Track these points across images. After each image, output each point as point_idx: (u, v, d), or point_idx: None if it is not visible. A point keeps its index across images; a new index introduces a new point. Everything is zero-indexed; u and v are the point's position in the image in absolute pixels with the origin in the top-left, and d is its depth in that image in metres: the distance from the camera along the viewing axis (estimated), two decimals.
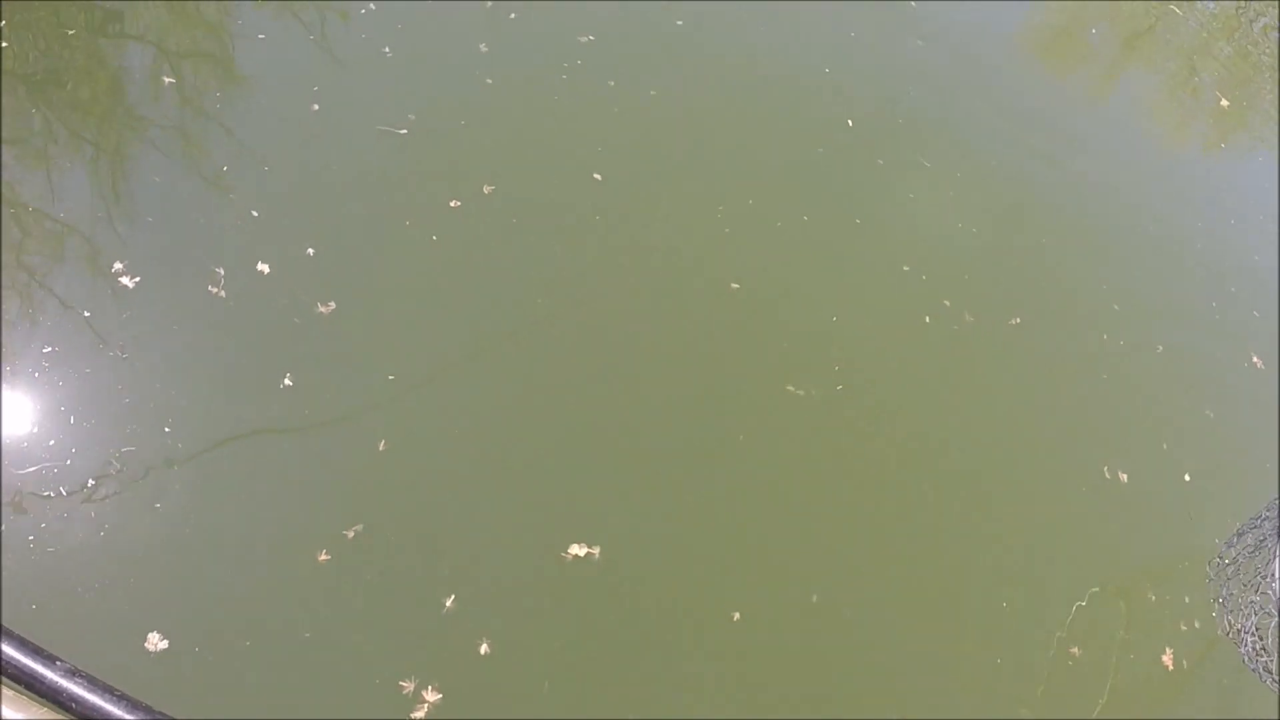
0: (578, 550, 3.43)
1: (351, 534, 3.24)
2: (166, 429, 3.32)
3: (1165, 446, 4.51)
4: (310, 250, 3.90)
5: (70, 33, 4.66)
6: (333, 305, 3.75)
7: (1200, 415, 4.72)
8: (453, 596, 3.20)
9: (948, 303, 4.61)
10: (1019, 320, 4.71)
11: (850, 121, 5.44)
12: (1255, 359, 5.08)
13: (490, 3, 5.17)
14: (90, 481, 3.16)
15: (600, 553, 3.43)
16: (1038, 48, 7.24)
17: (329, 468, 3.39)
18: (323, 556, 3.18)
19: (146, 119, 4.39)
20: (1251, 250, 5.84)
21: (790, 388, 4.07)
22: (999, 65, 6.56)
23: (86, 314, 3.60)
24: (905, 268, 4.76)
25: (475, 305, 3.96)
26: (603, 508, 3.57)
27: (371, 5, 5.03)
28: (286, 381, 3.53)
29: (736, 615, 3.42)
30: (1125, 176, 6.06)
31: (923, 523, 3.85)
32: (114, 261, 3.72)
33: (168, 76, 4.57)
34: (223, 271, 3.76)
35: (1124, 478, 4.28)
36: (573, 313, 4.06)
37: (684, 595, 3.45)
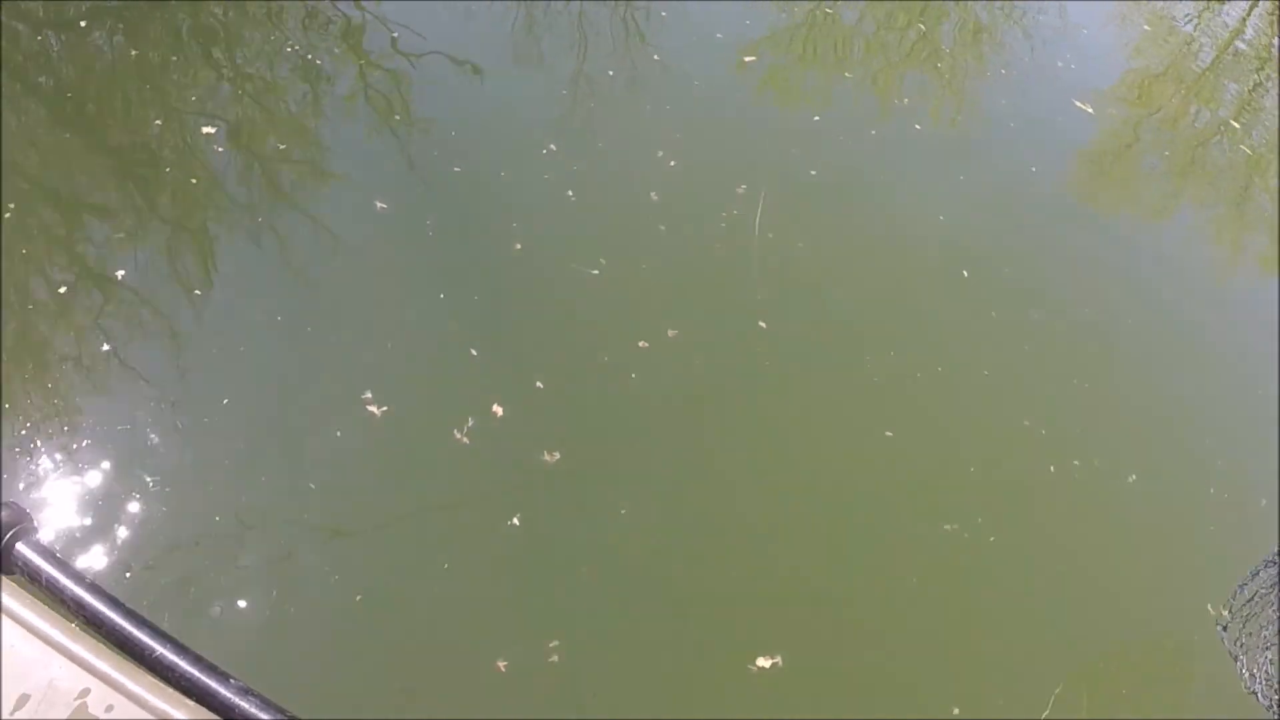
0: (764, 662, 3.85)
1: (556, 658, 3.64)
2: None
3: None
4: (539, 384, 4.34)
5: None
6: (558, 455, 4.17)
7: None
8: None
9: (1077, 462, 5.07)
10: (1134, 478, 5.18)
11: (965, 272, 5.96)
12: None
13: (660, 153, 5.68)
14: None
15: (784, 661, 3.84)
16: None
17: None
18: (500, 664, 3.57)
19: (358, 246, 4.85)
20: None
21: (947, 526, 4.52)
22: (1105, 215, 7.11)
23: (338, 433, 4.02)
24: (1026, 422, 5.23)
25: (670, 440, 4.40)
26: (786, 624, 4.00)
27: (552, 146, 5.53)
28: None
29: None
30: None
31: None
32: (365, 389, 4.14)
33: (380, 202, 5.03)
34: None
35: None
36: (753, 457, 4.51)
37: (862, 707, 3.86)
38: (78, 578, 1.12)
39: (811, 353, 5.06)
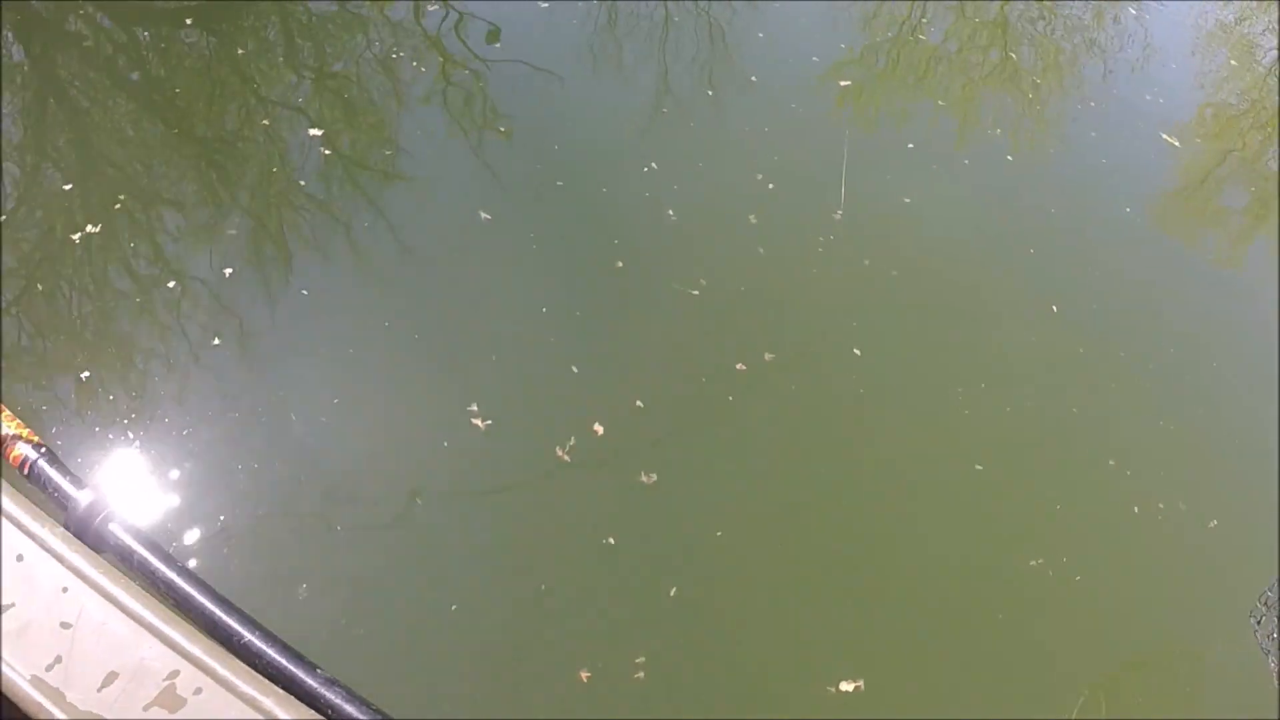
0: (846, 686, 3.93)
1: (641, 674, 3.74)
2: None
3: None
4: (639, 403, 4.44)
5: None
6: (655, 477, 4.27)
7: None
8: None
9: (1161, 505, 5.09)
10: (1215, 523, 5.19)
11: (1054, 307, 5.98)
12: None
13: (759, 175, 5.76)
14: None
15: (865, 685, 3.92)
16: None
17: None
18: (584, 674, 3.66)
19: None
20: None
21: (1033, 562, 4.57)
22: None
23: (445, 444, 4.14)
24: (1111, 462, 5.26)
25: (764, 465, 4.49)
26: (869, 646, 4.07)
27: (654, 164, 5.62)
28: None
29: None
30: None
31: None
32: (472, 402, 4.26)
33: (484, 213, 5.16)
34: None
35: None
36: (844, 483, 4.59)
37: None
38: (168, 559, 1.13)
39: (904, 382, 5.11)
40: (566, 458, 4.22)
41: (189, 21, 6.33)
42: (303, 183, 5.29)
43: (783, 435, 4.64)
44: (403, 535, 3.95)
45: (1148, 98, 8.73)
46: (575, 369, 4.55)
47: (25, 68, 6.02)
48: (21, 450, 1.26)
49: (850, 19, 8.28)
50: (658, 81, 6.67)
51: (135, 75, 6.06)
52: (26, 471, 1.25)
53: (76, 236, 4.74)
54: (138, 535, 1.18)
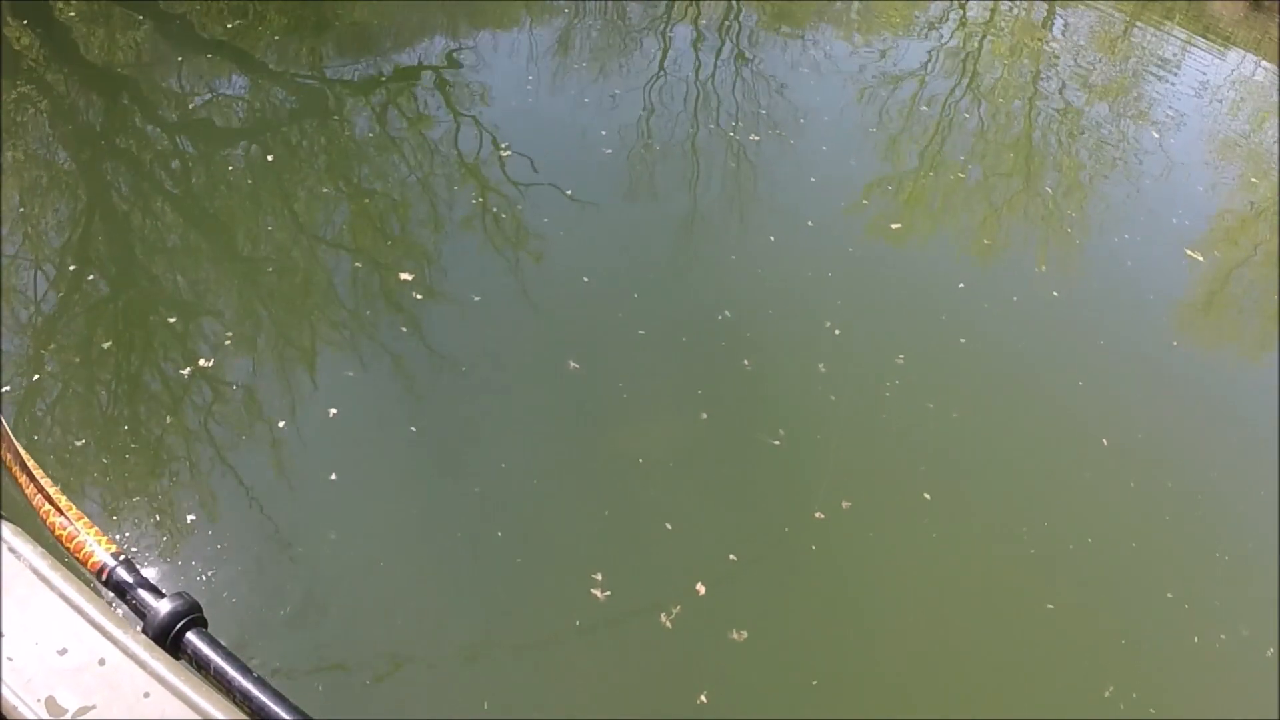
0: None
1: None
2: None
3: None
4: (733, 556, 4.76)
5: None
6: (745, 634, 4.55)
7: None
8: None
9: (1223, 636, 5.36)
10: (1272, 651, 5.45)
11: (1105, 441, 6.30)
12: None
13: (827, 322, 6.15)
14: None
15: None
16: None
17: None
18: None
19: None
20: None
21: (1106, 694, 4.83)
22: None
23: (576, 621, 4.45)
24: (1169, 594, 5.54)
25: (846, 611, 4.78)
26: None
27: (727, 313, 6.02)
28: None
29: None
30: None
31: None
32: (595, 571, 4.57)
33: (573, 362, 5.54)
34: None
35: None
36: (922, 627, 4.87)
37: None
38: (244, 670, 1.17)
39: (972, 523, 5.42)
40: (669, 624, 4.51)
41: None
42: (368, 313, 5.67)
43: (861, 581, 4.94)
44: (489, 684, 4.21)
45: (1174, 221, 9.18)
46: (669, 525, 4.86)
47: (74, 174, 6.51)
48: (100, 557, 1.29)
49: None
50: (729, 234, 7.10)
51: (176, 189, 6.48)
52: (105, 578, 1.28)
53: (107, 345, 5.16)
54: (213, 644, 1.21)
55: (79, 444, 4.70)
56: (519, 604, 4.49)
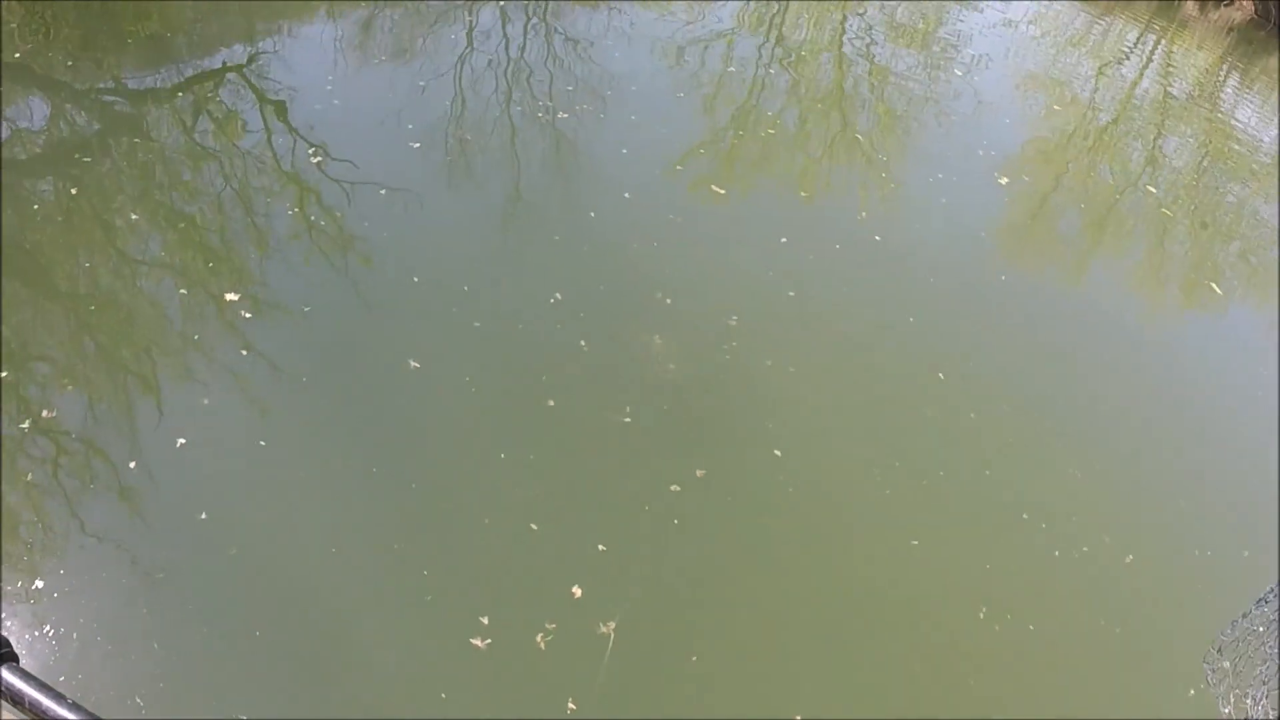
0: None
1: None
2: None
3: None
4: (602, 547, 4.59)
5: None
6: (612, 625, 4.41)
7: None
8: None
9: (1085, 548, 5.46)
10: (1131, 558, 5.59)
11: (941, 375, 6.38)
12: None
13: (658, 293, 6.02)
14: None
15: None
16: None
17: None
18: None
19: None
20: None
21: (979, 614, 4.86)
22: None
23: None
24: (1025, 515, 5.63)
25: (717, 579, 4.69)
26: None
27: (558, 295, 5.83)
28: None
29: None
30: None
31: None
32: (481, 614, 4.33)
33: (413, 361, 5.27)
34: None
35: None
36: (796, 590, 4.83)
37: None
38: (59, 698, 1.17)
39: (825, 473, 5.40)
40: (542, 646, 4.31)
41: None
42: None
43: (724, 547, 4.85)
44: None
45: (980, 153, 9.42)
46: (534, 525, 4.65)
47: None
48: None
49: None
50: (559, 220, 6.90)
51: None
52: None
53: None
54: (28, 679, 1.20)
55: None
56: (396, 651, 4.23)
